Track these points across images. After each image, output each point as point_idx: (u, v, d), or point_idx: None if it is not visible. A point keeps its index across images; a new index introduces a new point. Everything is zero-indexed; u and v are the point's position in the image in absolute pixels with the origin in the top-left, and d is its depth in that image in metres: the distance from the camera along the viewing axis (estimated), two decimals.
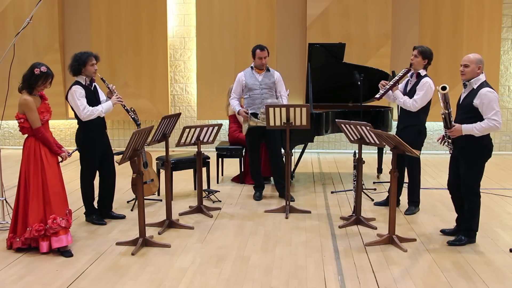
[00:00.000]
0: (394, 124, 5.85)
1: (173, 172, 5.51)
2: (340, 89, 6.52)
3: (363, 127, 4.39)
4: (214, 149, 6.45)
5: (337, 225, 4.67)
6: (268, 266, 3.76)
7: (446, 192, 5.33)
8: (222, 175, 6.59)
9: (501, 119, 3.93)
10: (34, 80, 3.93)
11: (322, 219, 4.91)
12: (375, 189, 6.01)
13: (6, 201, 4.79)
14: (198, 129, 4.92)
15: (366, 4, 8.20)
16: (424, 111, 4.84)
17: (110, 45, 8.65)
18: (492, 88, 3.98)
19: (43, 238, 3.91)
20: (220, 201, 5.54)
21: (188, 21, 8.73)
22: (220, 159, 6.44)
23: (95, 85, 4.71)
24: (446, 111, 3.99)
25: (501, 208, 5.27)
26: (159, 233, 4.46)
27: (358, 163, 4.71)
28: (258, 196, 5.65)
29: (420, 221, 4.80)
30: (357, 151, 4.74)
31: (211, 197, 5.63)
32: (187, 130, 4.86)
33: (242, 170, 6.38)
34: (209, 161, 5.94)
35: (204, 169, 5.72)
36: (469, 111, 4.01)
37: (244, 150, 6.27)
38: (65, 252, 3.96)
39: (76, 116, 4.58)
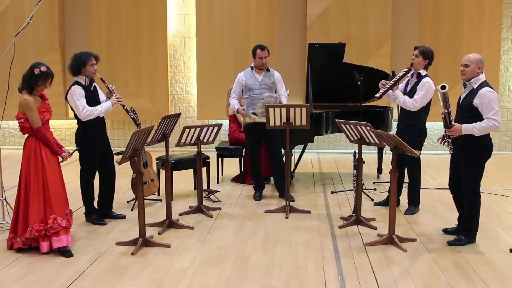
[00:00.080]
0: (394, 124, 5.85)
1: (173, 172, 5.51)
2: (340, 89, 6.52)
3: (363, 127, 4.39)
4: (214, 149, 6.45)
5: (337, 225, 4.67)
6: (268, 266, 3.76)
7: (446, 192, 5.32)
8: (222, 175, 6.59)
9: (501, 119, 3.93)
10: (34, 80, 3.93)
11: (322, 219, 4.91)
12: (375, 189, 6.01)
13: (6, 201, 4.79)
14: (198, 129, 4.92)
15: (366, 4, 8.20)
16: (424, 111, 4.84)
17: (110, 45, 8.65)
18: (492, 88, 3.98)
19: (43, 238, 3.91)
20: (220, 201, 5.54)
21: (188, 21, 8.73)
22: (220, 159, 6.44)
23: (94, 85, 4.71)
24: (446, 111, 3.99)
25: (501, 208, 5.27)
26: (159, 233, 4.46)
27: (358, 163, 4.71)
28: (258, 196, 5.65)
29: (420, 221, 4.80)
30: (357, 151, 4.74)
31: (211, 197, 5.63)
32: (187, 130, 4.86)
33: (242, 170, 6.38)
34: (209, 161, 5.94)
35: (204, 169, 5.71)
36: (469, 111, 4.01)
37: (244, 150, 6.27)
38: (65, 252, 3.96)
39: (76, 116, 4.58)
